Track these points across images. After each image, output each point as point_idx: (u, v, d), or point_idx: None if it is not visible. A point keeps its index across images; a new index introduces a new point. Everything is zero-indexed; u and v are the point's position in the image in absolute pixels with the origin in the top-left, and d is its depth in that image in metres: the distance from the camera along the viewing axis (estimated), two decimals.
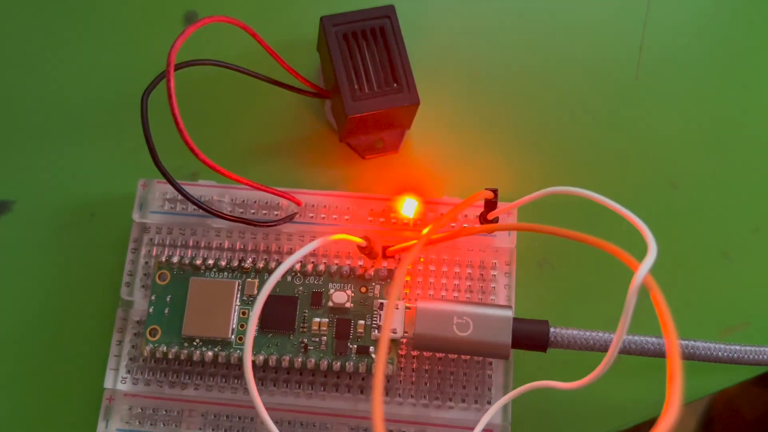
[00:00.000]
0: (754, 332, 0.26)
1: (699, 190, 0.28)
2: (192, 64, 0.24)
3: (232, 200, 0.26)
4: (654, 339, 0.23)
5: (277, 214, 0.25)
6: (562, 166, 0.28)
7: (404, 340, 0.24)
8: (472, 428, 0.23)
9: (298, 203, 0.25)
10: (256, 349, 0.23)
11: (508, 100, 0.29)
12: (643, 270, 0.17)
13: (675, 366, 0.15)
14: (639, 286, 0.17)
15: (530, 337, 0.23)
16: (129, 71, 0.29)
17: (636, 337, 0.23)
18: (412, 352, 0.24)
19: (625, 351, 0.23)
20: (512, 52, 0.29)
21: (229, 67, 0.25)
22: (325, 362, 0.23)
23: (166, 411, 0.24)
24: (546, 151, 0.28)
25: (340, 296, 0.24)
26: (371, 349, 0.23)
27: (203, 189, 0.26)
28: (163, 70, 0.23)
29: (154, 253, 0.25)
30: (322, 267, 0.24)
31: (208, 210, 0.23)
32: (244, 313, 0.24)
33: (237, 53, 0.28)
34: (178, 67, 0.22)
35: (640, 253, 0.19)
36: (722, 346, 0.24)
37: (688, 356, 0.24)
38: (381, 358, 0.17)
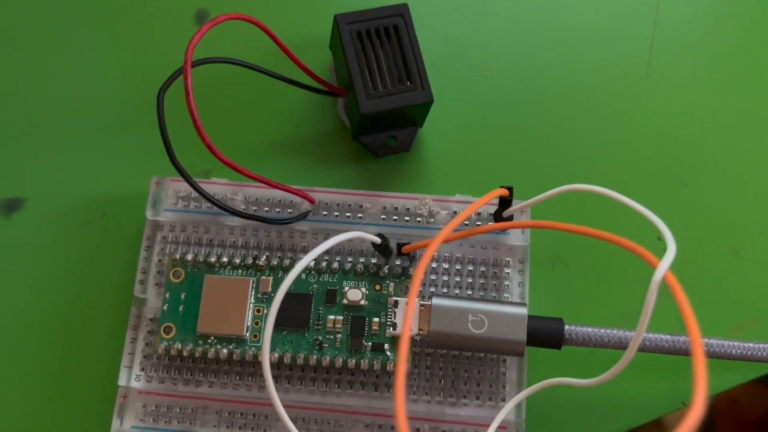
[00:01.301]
0: (764, 329, 0.26)
1: (709, 188, 0.28)
2: (207, 62, 0.24)
3: (245, 198, 0.26)
4: (668, 336, 0.23)
5: (290, 212, 0.26)
6: (573, 164, 0.28)
7: (418, 338, 0.24)
8: (486, 425, 0.23)
9: (311, 201, 0.25)
10: (271, 346, 0.23)
11: (520, 98, 0.29)
12: (663, 267, 0.17)
13: (700, 364, 0.15)
14: (659, 283, 0.17)
15: (545, 334, 0.23)
16: (140, 69, 0.29)
17: (651, 335, 0.23)
18: (426, 350, 0.24)
19: (640, 348, 0.23)
20: (524, 51, 0.29)
21: (243, 65, 0.25)
22: (340, 359, 0.23)
23: (180, 409, 0.24)
24: (557, 149, 0.28)
25: (354, 294, 0.24)
26: (386, 346, 0.23)
27: (216, 187, 0.26)
28: (175, 67, 0.23)
29: (167, 250, 0.25)
30: (336, 264, 0.24)
31: (224, 207, 0.23)
32: (258, 311, 0.24)
33: (248, 52, 0.28)
34: (194, 64, 0.22)
35: (650, 250, 0.19)
36: (736, 343, 0.24)
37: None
38: (402, 357, 0.17)
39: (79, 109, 0.28)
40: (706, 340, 0.24)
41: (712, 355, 0.24)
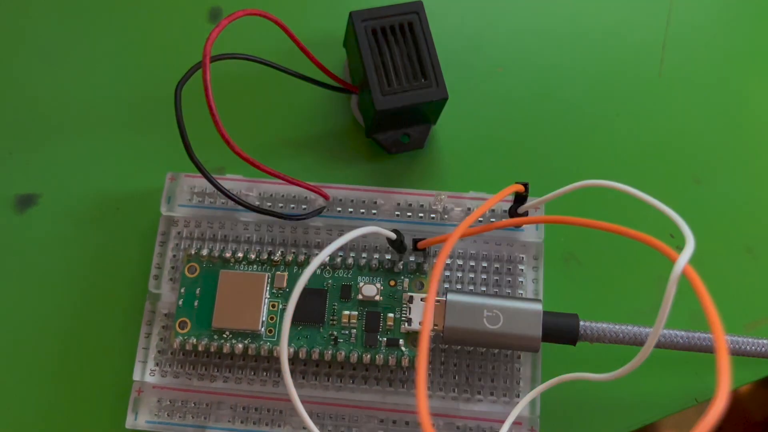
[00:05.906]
0: None
1: (722, 186, 0.28)
2: (224, 58, 0.24)
3: (260, 194, 0.26)
4: (683, 332, 0.23)
5: (304, 208, 0.26)
6: (586, 162, 0.28)
7: (433, 334, 0.24)
8: (501, 421, 0.23)
9: (326, 197, 0.25)
10: None
11: (534, 95, 0.29)
12: (683, 260, 0.17)
13: (723, 356, 0.15)
14: (679, 276, 0.17)
15: (560, 330, 0.23)
16: (155, 66, 0.29)
17: (666, 331, 0.23)
18: (440, 346, 0.24)
19: (655, 344, 0.23)
20: (538, 49, 0.29)
21: (259, 61, 0.25)
22: (355, 355, 0.23)
23: (194, 403, 0.24)
24: (569, 147, 0.28)
25: (369, 289, 0.24)
26: (401, 341, 0.24)
27: (231, 183, 0.26)
28: (188, 65, 0.23)
29: (181, 246, 0.25)
30: (350, 260, 0.24)
31: (241, 202, 0.23)
32: (273, 306, 0.24)
33: (261, 48, 0.28)
34: (211, 59, 0.22)
35: None
36: (750, 339, 0.24)
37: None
38: (423, 354, 0.17)
39: (92, 105, 0.28)
40: None
41: None
